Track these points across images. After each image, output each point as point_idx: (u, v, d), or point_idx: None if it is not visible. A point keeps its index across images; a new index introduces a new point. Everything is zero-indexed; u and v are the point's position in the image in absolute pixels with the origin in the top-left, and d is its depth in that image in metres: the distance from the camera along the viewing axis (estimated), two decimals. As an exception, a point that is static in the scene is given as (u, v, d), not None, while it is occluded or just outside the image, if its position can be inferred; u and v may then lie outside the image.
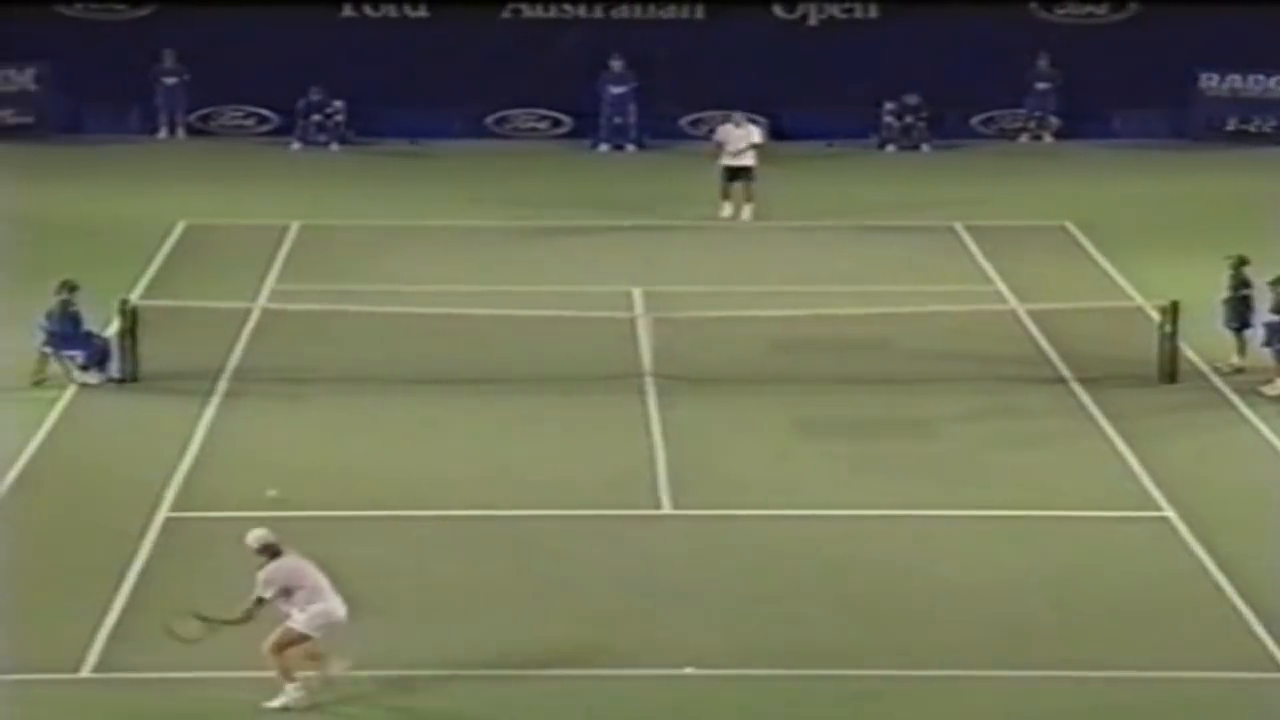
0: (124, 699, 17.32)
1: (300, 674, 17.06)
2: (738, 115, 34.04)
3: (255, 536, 17.33)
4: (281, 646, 17.05)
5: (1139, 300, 27.84)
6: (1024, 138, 39.90)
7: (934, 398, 24.90)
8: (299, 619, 17.05)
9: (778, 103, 39.58)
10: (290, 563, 17.22)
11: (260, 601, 17.11)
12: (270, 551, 17.23)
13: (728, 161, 33.34)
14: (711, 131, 34.72)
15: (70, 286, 25.28)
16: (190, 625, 17.30)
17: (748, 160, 33.25)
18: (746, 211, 33.15)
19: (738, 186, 33.26)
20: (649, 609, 19.15)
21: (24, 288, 26.89)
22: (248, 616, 17.13)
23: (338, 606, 17.18)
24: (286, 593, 17.10)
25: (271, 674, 17.20)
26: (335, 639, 17.20)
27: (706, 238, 32.39)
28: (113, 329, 25.60)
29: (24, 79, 39.35)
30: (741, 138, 33.40)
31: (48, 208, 33.81)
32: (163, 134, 39.56)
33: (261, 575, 17.13)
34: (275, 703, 16.99)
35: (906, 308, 27.45)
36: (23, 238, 31.58)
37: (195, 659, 17.79)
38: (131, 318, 25.30)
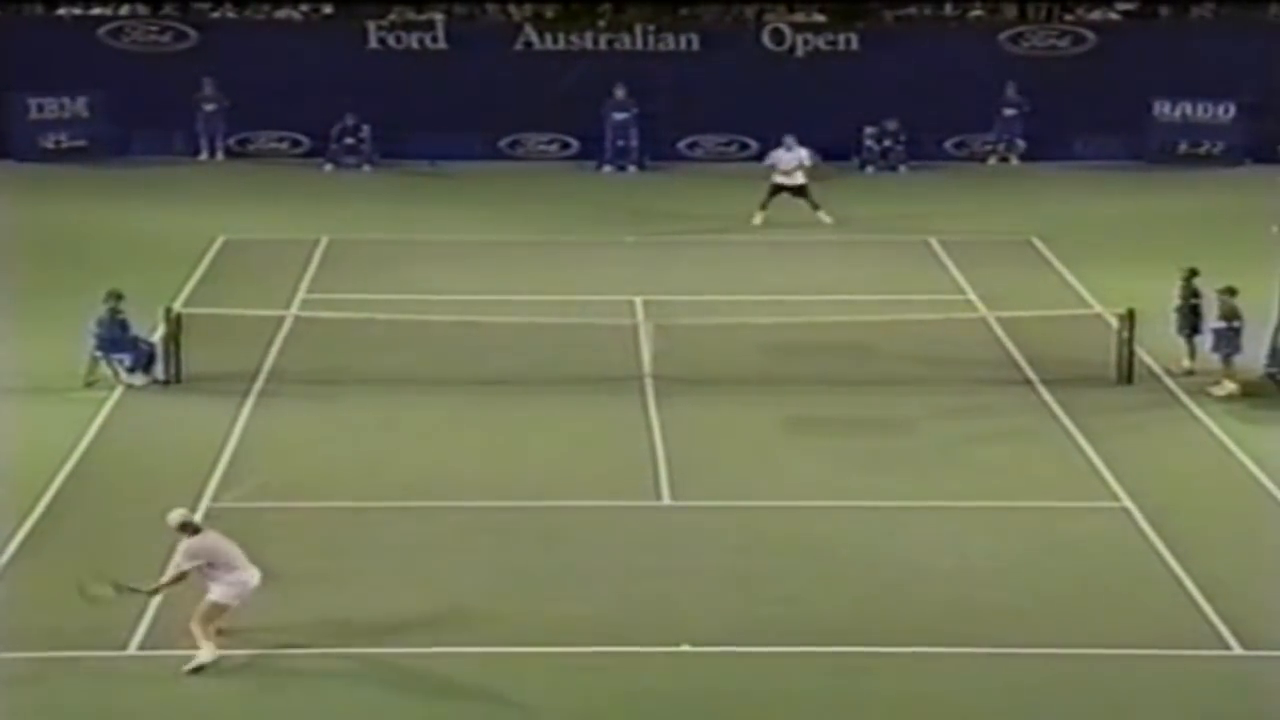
0: (167, 676, 17.25)
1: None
2: (789, 139, 34.07)
3: (175, 515, 17.54)
4: (209, 619, 17.22)
5: (1098, 308, 27.76)
6: (993, 160, 39.81)
7: (911, 398, 24.84)
8: (218, 590, 17.21)
9: (767, 127, 39.43)
10: (210, 539, 17.39)
11: (182, 575, 17.21)
12: (190, 529, 17.41)
13: (780, 180, 33.50)
14: (763, 155, 34.66)
15: (117, 295, 25.23)
16: (104, 588, 17.33)
17: (799, 179, 33.50)
18: (823, 215, 33.34)
19: (796, 202, 33.29)
20: (649, 591, 19.09)
21: (76, 297, 26.81)
22: (163, 588, 17.28)
23: (253, 575, 17.37)
24: (209, 566, 17.19)
25: (306, 651, 17.16)
26: (249, 605, 17.38)
27: (703, 251, 32.32)
28: (158, 334, 25.54)
29: (77, 106, 39.28)
30: (792, 160, 33.61)
31: (98, 224, 33.76)
32: (203, 156, 39.48)
33: (182, 549, 17.29)
34: (195, 664, 17.10)
35: (885, 316, 27.39)
36: (75, 251, 31.56)
37: (232, 638, 17.74)
38: (175, 324, 25.24)
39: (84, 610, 18.02)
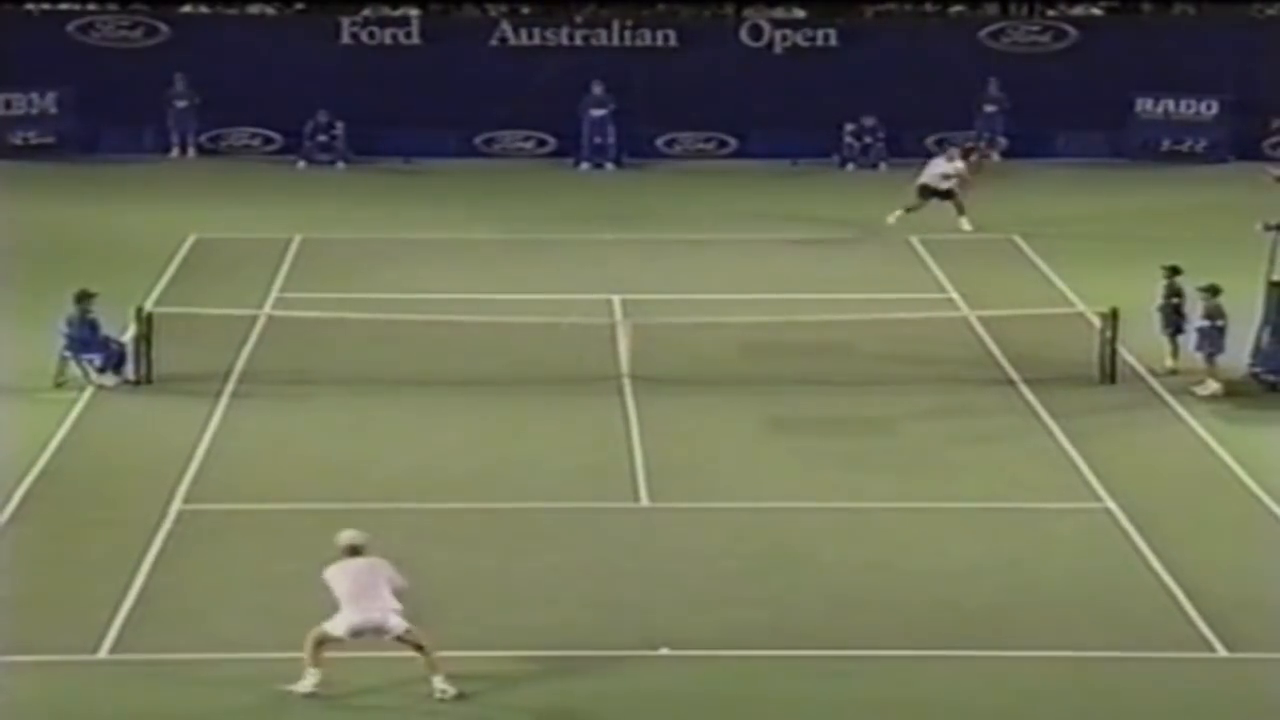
0: (139, 680, 17.22)
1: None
2: (952, 150, 34.34)
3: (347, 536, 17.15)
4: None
5: (1080, 307, 27.81)
6: (974, 157, 39.84)
7: (892, 398, 24.85)
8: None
9: (746, 124, 39.57)
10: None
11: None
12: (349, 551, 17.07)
13: (930, 183, 33.43)
14: (924, 163, 34.44)
15: (87, 295, 25.17)
16: None
17: (949, 185, 33.40)
18: (964, 223, 33.20)
19: (939, 204, 33.28)
20: (626, 593, 19.08)
21: (46, 296, 26.74)
22: None
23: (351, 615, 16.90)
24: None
25: (277, 655, 17.15)
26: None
27: (681, 250, 32.31)
28: (129, 334, 25.48)
29: (45, 103, 39.19)
30: (941, 165, 33.65)
31: (67, 222, 33.68)
32: (175, 153, 39.41)
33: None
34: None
35: (866, 315, 27.41)
36: (44, 249, 31.48)
37: (207, 642, 17.72)
38: (146, 324, 25.19)
39: (55, 613, 17.98)
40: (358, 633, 16.81)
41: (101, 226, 33.37)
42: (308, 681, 16.81)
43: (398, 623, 16.83)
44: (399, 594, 16.94)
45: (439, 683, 16.84)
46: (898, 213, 33.25)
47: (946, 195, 33.59)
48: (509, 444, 23.20)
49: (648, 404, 24.47)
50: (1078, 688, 17.33)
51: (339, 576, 16.96)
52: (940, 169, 33.76)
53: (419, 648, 16.89)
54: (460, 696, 16.75)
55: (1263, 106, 38.82)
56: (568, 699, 17.00)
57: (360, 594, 16.80)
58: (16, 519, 20.79)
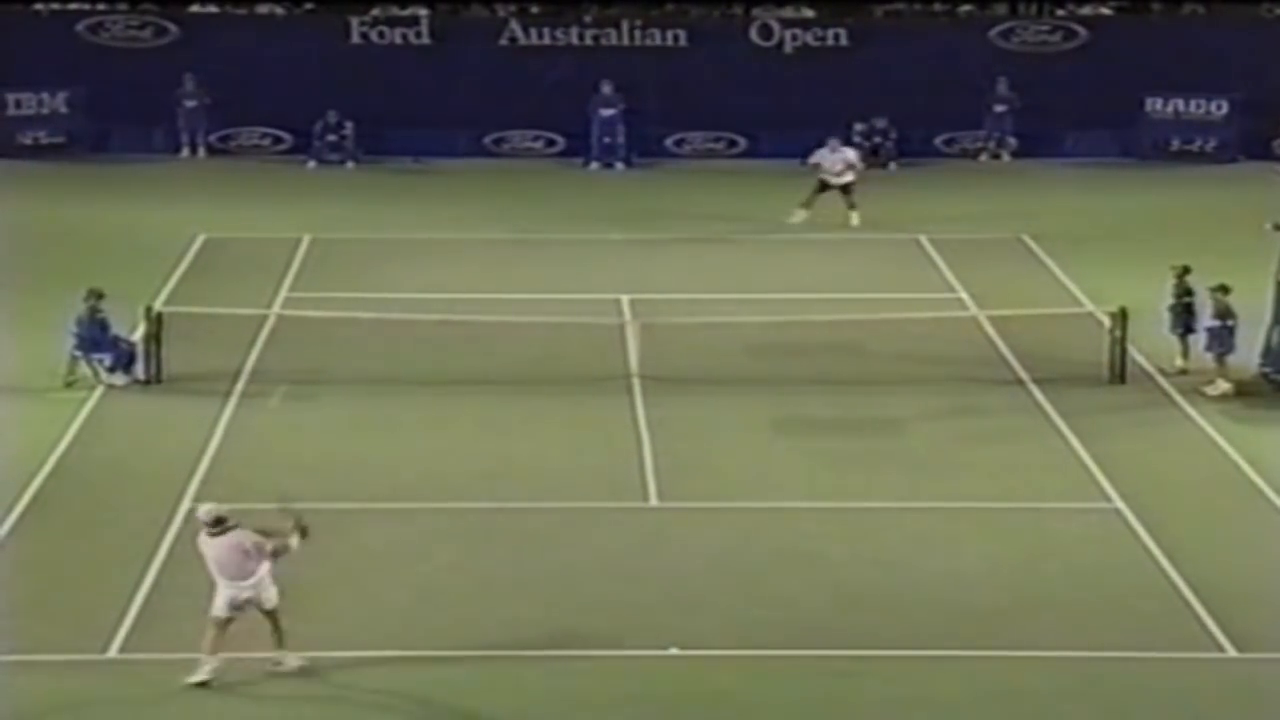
0: (148, 679, 17.24)
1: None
2: (833, 141, 34.14)
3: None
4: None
5: (1090, 307, 27.79)
6: (983, 157, 39.86)
7: (901, 398, 24.85)
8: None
9: (755, 124, 39.58)
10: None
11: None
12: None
13: (829, 179, 33.52)
14: (806, 155, 34.55)
15: (96, 294, 25.20)
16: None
17: (848, 178, 33.52)
18: (854, 218, 33.32)
19: (834, 199, 33.36)
20: (636, 594, 19.08)
21: (56, 296, 26.78)
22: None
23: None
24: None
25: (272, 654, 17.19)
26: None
27: (690, 249, 32.33)
28: (138, 334, 25.51)
29: (56, 102, 39.24)
30: (838, 160, 33.67)
31: (77, 221, 33.72)
32: (184, 153, 39.45)
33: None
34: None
35: (875, 314, 27.41)
36: (54, 249, 31.52)
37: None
38: (156, 323, 25.22)
39: (64, 612, 18.02)
40: (237, 607, 16.95)
41: (111, 226, 33.41)
42: (201, 671, 16.92)
43: (270, 595, 16.99)
44: (271, 555, 17.02)
45: (291, 659, 17.01)
46: (800, 213, 33.18)
47: (845, 189, 33.47)
48: (518, 444, 23.21)
49: (657, 404, 24.47)
50: (1087, 687, 17.32)
51: (207, 555, 17.10)
52: (834, 161, 33.58)
53: (275, 620, 17.04)
54: (307, 666, 16.87)
55: (1272, 106, 38.79)
56: (576, 699, 17.00)
57: (233, 567, 16.95)
58: (26, 518, 20.82)
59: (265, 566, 17.06)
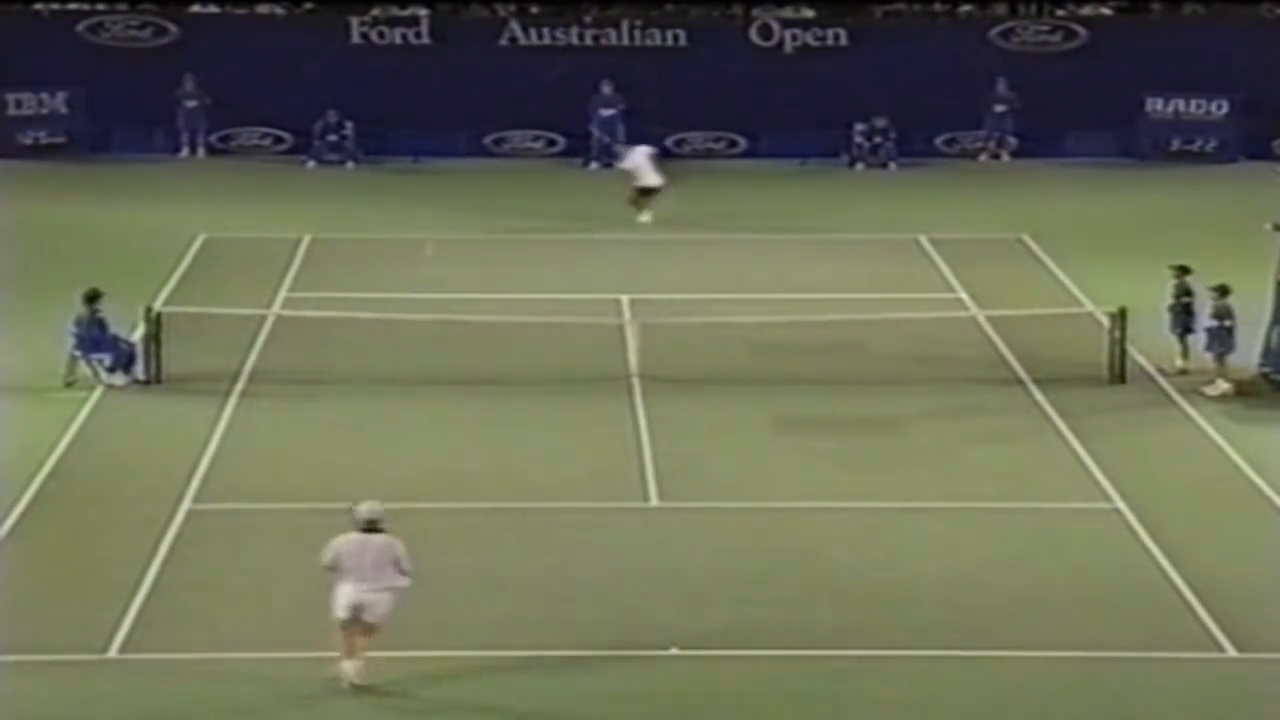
0: (148, 678, 17.24)
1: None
2: (649, 150, 34.17)
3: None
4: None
5: (1090, 307, 27.79)
6: (983, 156, 39.87)
7: (901, 398, 24.85)
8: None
9: (755, 124, 39.58)
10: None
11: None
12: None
13: (648, 183, 33.54)
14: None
15: (95, 295, 25.19)
16: None
17: (656, 182, 33.54)
18: (645, 216, 33.42)
19: (645, 200, 33.53)
20: (636, 594, 19.08)
21: (56, 296, 26.78)
22: None
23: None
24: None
25: (285, 655, 17.17)
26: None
27: (689, 249, 32.33)
28: (138, 334, 25.52)
29: (56, 103, 39.26)
30: (650, 166, 33.74)
31: (77, 222, 33.73)
32: (184, 153, 39.46)
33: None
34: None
35: (875, 314, 27.41)
36: (54, 249, 31.53)
37: (215, 641, 17.75)
38: (156, 323, 25.23)
39: (64, 612, 18.01)
40: (358, 610, 16.76)
41: (111, 226, 33.41)
42: (346, 676, 16.73)
43: (387, 608, 16.78)
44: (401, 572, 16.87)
45: (354, 673, 16.81)
46: (646, 213, 33.24)
47: (651, 191, 33.56)
48: (518, 444, 23.21)
49: (657, 404, 24.47)
50: (1088, 687, 17.31)
51: (346, 550, 16.85)
52: (648, 166, 33.65)
53: (372, 635, 16.86)
54: (359, 689, 16.73)
55: (1273, 106, 38.80)
56: (577, 698, 17.00)
57: (370, 569, 16.70)
58: (27, 518, 20.82)
59: (397, 581, 16.87)
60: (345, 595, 16.83)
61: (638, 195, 33.76)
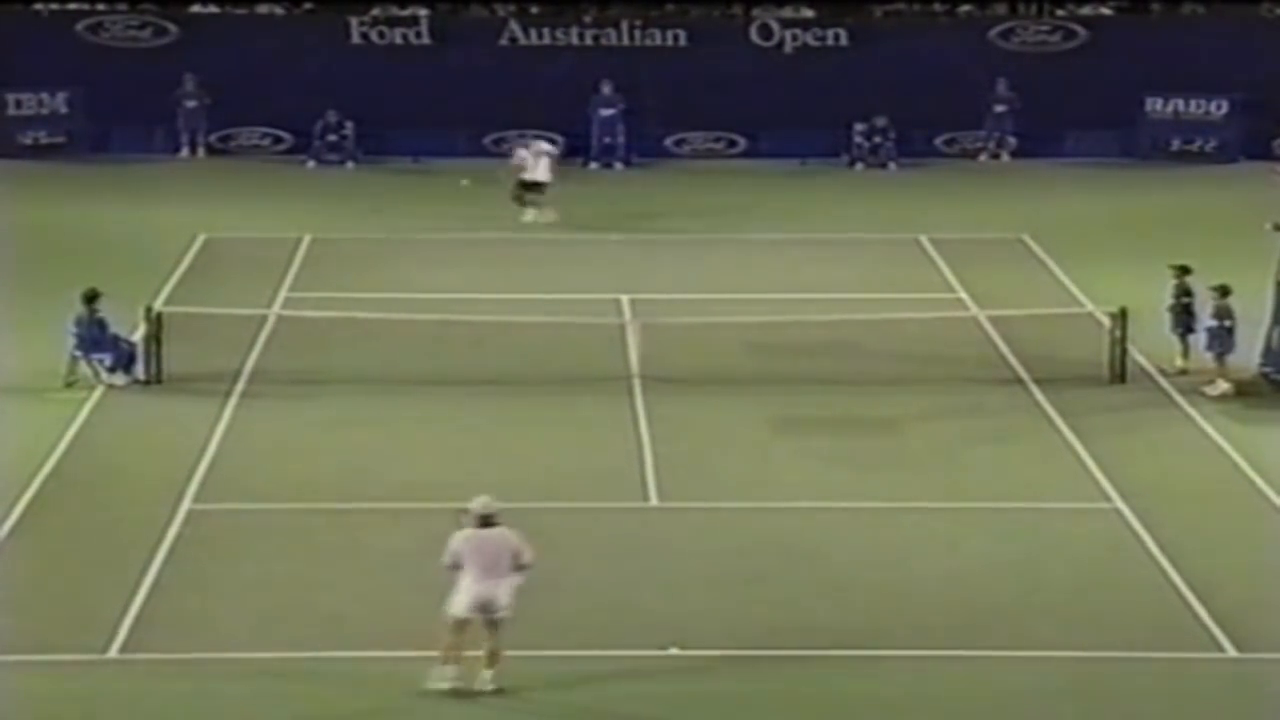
0: (148, 678, 17.24)
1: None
2: (534, 144, 34.12)
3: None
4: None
5: (1090, 307, 27.80)
6: (983, 156, 39.88)
7: (901, 398, 24.86)
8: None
9: (755, 124, 39.60)
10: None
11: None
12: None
13: (533, 177, 33.54)
14: (509, 153, 34.47)
15: (94, 295, 25.19)
16: None
17: (544, 177, 33.54)
18: (531, 215, 33.40)
19: (532, 197, 33.48)
20: (636, 594, 19.09)
21: (56, 296, 26.76)
22: None
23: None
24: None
25: (285, 655, 17.17)
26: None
27: (690, 249, 32.34)
28: (138, 334, 25.52)
29: (56, 102, 39.27)
30: (536, 160, 33.66)
31: (77, 222, 33.74)
32: (184, 153, 39.47)
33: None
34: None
35: (875, 314, 27.42)
36: (55, 249, 31.54)
37: (215, 641, 17.76)
38: (156, 323, 25.23)
39: (64, 612, 18.01)
40: (479, 608, 16.61)
41: (111, 226, 33.42)
42: (443, 675, 16.61)
43: (508, 601, 16.62)
44: (519, 567, 16.74)
45: (488, 675, 16.69)
46: (531, 213, 33.27)
47: (538, 187, 33.51)
48: (518, 444, 23.21)
49: (657, 404, 24.47)
50: (1087, 687, 17.32)
51: (466, 547, 16.70)
52: (536, 161, 33.59)
53: (497, 632, 16.66)
54: (499, 692, 16.66)
55: (1272, 106, 38.82)
56: (577, 699, 17.00)
57: (492, 563, 16.57)
58: (27, 518, 20.82)
59: (513, 576, 16.77)
60: (467, 592, 16.66)
61: (520, 190, 33.52)
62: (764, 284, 29.98)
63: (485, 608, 16.66)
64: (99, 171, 37.81)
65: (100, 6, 40.42)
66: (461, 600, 16.70)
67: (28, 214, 33.91)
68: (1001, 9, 41.26)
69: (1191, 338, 25.78)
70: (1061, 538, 20.69)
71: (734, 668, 17.55)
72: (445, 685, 16.71)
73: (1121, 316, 25.49)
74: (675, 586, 19.26)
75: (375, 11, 40.03)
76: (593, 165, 39.02)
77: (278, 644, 17.67)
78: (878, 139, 39.10)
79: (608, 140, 39.03)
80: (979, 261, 31.37)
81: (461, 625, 16.71)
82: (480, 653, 16.78)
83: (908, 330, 27.12)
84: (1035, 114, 39.04)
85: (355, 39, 39.78)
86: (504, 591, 16.73)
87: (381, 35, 39.88)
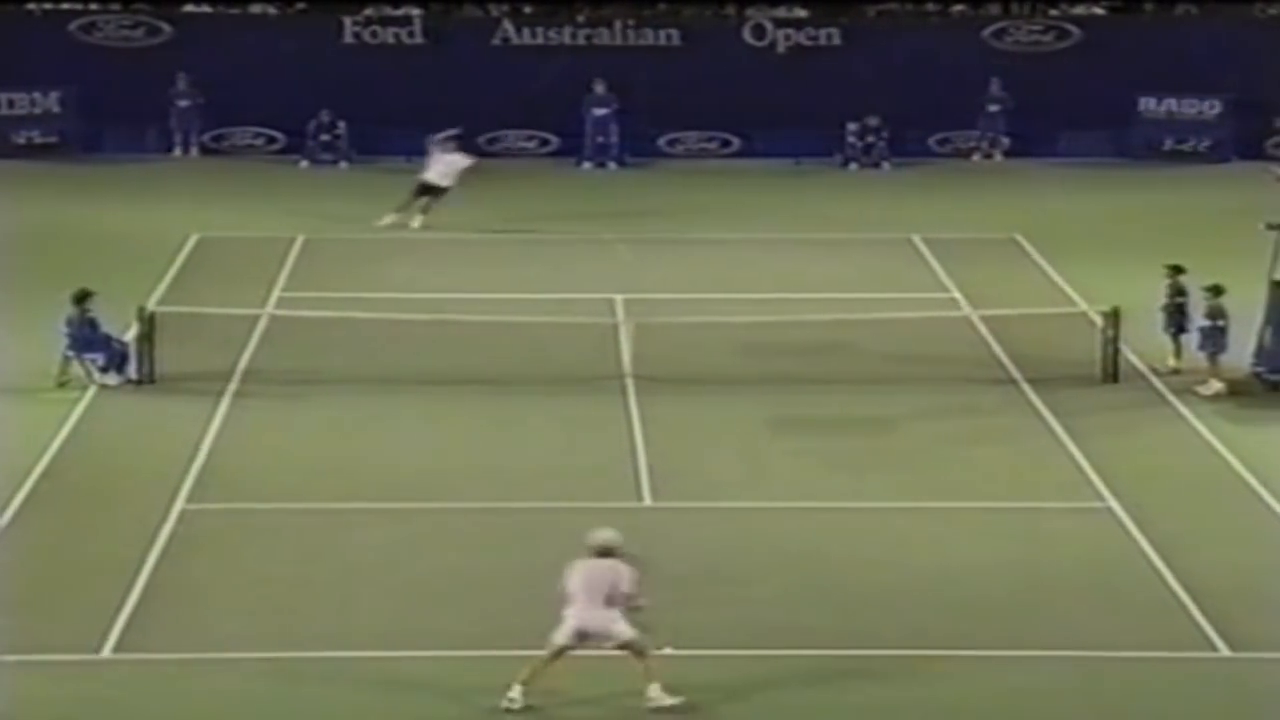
0: (142, 679, 17.24)
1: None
2: (448, 143, 33.80)
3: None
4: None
5: (1083, 306, 27.83)
6: (977, 156, 39.91)
7: (895, 397, 24.87)
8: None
9: (748, 123, 39.60)
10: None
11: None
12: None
13: (435, 181, 33.24)
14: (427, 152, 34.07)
15: (83, 295, 25.17)
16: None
17: (449, 182, 33.27)
18: (390, 218, 33.08)
19: (424, 201, 33.19)
20: (631, 593, 19.07)
21: (49, 296, 26.75)
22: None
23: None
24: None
25: (279, 654, 17.17)
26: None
27: (684, 249, 32.35)
28: (131, 334, 25.51)
29: (48, 102, 39.26)
30: (444, 164, 33.41)
31: (70, 221, 33.72)
32: (177, 153, 39.47)
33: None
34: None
35: (868, 314, 27.43)
36: (47, 249, 31.52)
37: (208, 641, 17.76)
38: (149, 323, 25.23)
39: (58, 613, 18.00)
40: (583, 636, 16.51)
41: (104, 226, 33.41)
42: (514, 695, 16.46)
43: (621, 629, 16.46)
44: (626, 604, 16.52)
45: (654, 691, 16.53)
46: (390, 217, 33.03)
47: (441, 191, 33.18)
48: (512, 443, 23.22)
49: (650, 403, 24.48)
50: (1080, 687, 17.33)
51: (575, 575, 16.57)
52: (443, 165, 33.36)
53: (640, 655, 16.52)
54: (680, 705, 16.50)
55: (1265, 106, 38.87)
56: (570, 698, 16.99)
57: (601, 593, 16.42)
58: (19, 518, 20.82)
59: (618, 609, 16.48)
60: (569, 620, 16.56)
61: (416, 192, 33.19)
62: (757, 284, 29.98)
63: (583, 637, 16.50)
64: (92, 171, 37.79)
65: (93, 6, 40.41)
66: (563, 628, 16.55)
67: (20, 214, 33.88)
68: (995, 9, 41.28)
69: (1184, 337, 25.80)
70: (1054, 537, 20.70)
71: (727, 668, 17.54)
72: (515, 705, 16.45)
73: (1114, 316, 25.51)
74: (668, 586, 19.18)
75: (368, 11, 40.03)
76: (586, 165, 39.03)
77: (272, 644, 17.67)
78: (871, 139, 39.13)
79: (601, 140, 39.04)
80: (972, 261, 31.39)
81: (557, 652, 16.51)
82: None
83: (901, 330, 27.13)
84: (1028, 114, 39.07)
85: (348, 39, 39.79)
86: (607, 623, 16.46)
87: (375, 35, 39.88)
